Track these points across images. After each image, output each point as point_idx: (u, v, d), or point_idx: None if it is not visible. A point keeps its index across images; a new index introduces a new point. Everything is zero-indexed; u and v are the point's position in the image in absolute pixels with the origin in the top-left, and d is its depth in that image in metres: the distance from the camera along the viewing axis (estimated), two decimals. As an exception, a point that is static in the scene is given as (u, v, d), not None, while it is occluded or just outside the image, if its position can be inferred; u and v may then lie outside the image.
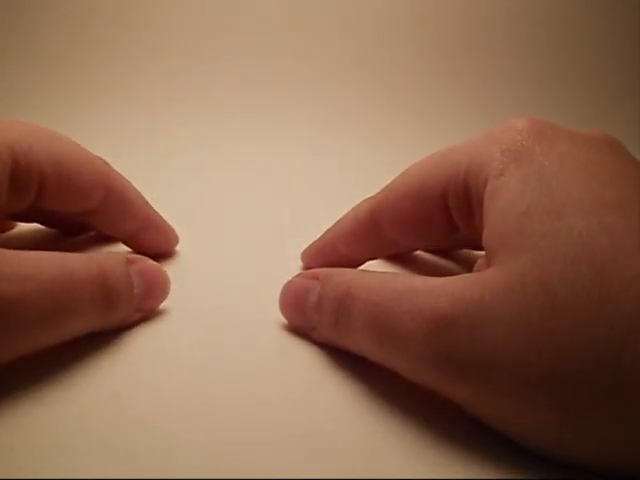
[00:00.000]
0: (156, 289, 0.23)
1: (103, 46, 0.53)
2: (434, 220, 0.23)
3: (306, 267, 0.29)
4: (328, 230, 0.27)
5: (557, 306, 0.15)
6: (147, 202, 0.29)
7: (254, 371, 0.21)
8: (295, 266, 0.29)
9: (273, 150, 0.48)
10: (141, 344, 0.22)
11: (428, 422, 0.18)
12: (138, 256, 0.23)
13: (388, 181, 0.25)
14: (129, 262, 0.22)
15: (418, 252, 0.31)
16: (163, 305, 0.24)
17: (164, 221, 0.30)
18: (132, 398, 0.19)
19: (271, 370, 0.21)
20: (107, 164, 0.27)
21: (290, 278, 0.24)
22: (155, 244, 0.29)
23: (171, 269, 0.24)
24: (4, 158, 0.22)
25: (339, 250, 0.26)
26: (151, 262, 0.23)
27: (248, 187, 0.41)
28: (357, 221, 0.25)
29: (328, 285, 0.21)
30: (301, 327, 0.23)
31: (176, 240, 0.30)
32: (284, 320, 0.24)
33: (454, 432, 0.18)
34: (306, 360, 0.22)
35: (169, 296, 0.24)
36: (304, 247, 0.29)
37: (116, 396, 0.19)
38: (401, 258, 0.30)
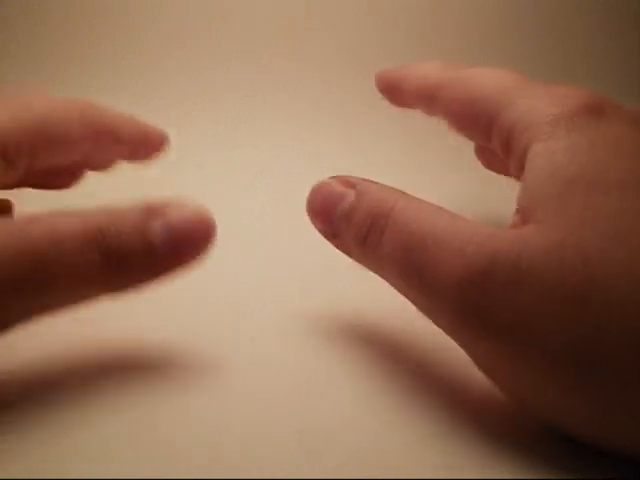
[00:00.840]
0: (191, 240, 0.19)
1: (107, 49, 0.54)
2: (479, 130, 0.23)
3: (378, 82, 0.29)
4: (405, 66, 0.28)
5: (592, 281, 0.15)
6: (131, 117, 0.27)
7: (259, 368, 0.21)
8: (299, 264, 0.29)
9: (274, 151, 0.47)
10: (149, 339, 0.22)
11: (441, 420, 0.18)
12: (171, 202, 0.19)
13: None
14: (151, 214, 0.18)
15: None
16: (176, 293, 0.21)
17: (150, 126, 0.28)
18: (134, 391, 0.19)
19: (278, 365, 0.21)
20: (88, 103, 0.26)
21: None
22: (148, 151, 0.28)
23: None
24: None
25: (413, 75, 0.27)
26: (188, 209, 0.19)
27: (249, 189, 0.40)
28: (424, 75, 0.26)
29: (364, 198, 0.20)
30: (323, 231, 0.21)
31: (166, 140, 0.29)
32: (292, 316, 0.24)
33: (468, 431, 0.18)
34: (318, 353, 0.22)
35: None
36: (306, 244, 0.28)
37: (126, 388, 0.19)
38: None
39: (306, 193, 0.38)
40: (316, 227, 0.22)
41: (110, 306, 0.20)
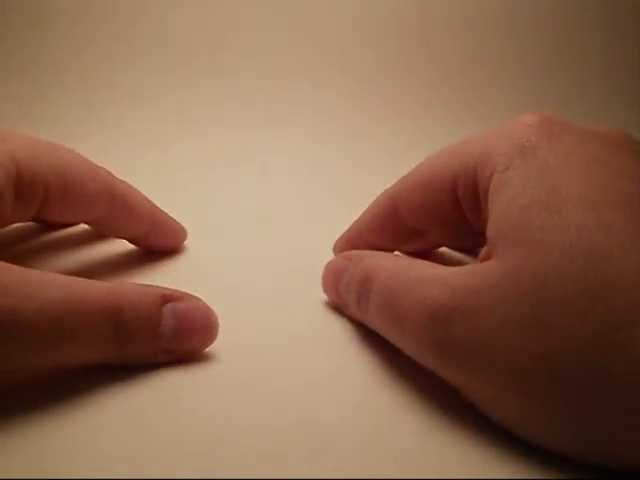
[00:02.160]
0: (194, 332, 0.21)
1: (110, 50, 0.54)
2: (447, 211, 0.23)
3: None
4: (355, 220, 0.28)
5: (549, 298, 0.16)
6: (152, 204, 0.28)
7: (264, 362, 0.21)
8: (300, 260, 0.29)
9: (278, 151, 0.47)
10: None
11: (441, 417, 0.19)
12: (183, 294, 0.21)
13: (388, 183, 0.26)
14: (165, 299, 0.21)
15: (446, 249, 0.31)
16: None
17: (171, 219, 0.30)
18: (132, 384, 0.20)
19: (279, 360, 0.22)
20: (110, 173, 0.27)
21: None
22: (163, 242, 0.30)
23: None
24: (8, 169, 0.22)
25: (365, 239, 0.27)
26: (197, 303, 0.22)
27: (254, 188, 0.41)
28: (379, 209, 0.26)
29: (356, 268, 0.23)
30: (337, 305, 0.25)
31: (184, 235, 0.30)
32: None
33: (468, 431, 0.18)
34: (319, 347, 0.23)
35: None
36: (307, 242, 0.30)
37: (124, 382, 0.20)
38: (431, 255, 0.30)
39: (305, 194, 0.40)
40: (331, 302, 0.25)
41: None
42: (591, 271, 0.16)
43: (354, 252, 0.24)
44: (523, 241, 0.17)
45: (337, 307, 0.25)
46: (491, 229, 0.19)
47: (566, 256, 0.16)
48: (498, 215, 0.19)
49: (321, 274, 0.25)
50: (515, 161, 0.19)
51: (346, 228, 0.29)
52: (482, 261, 0.19)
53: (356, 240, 0.28)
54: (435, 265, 0.20)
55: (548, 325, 0.16)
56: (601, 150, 0.19)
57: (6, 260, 0.19)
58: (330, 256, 0.27)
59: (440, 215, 0.24)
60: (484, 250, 0.20)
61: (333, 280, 0.24)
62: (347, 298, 0.23)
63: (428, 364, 0.19)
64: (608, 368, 0.15)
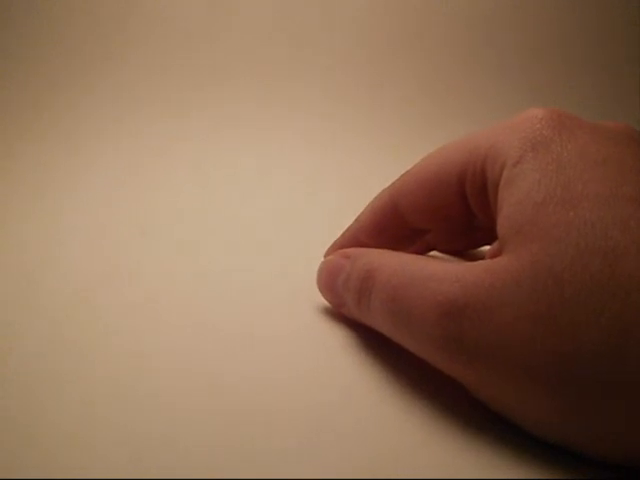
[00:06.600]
0: None
1: (109, 52, 0.54)
2: (452, 206, 0.23)
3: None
4: (350, 224, 0.27)
5: (565, 295, 0.16)
6: None
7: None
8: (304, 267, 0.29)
9: (276, 153, 0.47)
10: (154, 337, 0.23)
11: (443, 418, 0.19)
12: None
13: (386, 184, 0.25)
14: None
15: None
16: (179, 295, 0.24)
17: None
18: (138, 382, 0.20)
19: (283, 366, 0.21)
20: None
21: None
22: None
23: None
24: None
25: (362, 241, 0.27)
26: None
27: (252, 190, 0.41)
28: (378, 210, 0.26)
29: (355, 265, 0.22)
30: (333, 303, 0.24)
31: None
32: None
33: (471, 433, 0.18)
34: (323, 352, 0.22)
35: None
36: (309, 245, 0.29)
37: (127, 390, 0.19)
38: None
39: (310, 195, 0.39)
40: (327, 301, 0.25)
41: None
42: (607, 269, 0.15)
43: (351, 249, 0.24)
44: (538, 237, 0.17)
45: (333, 306, 0.24)
46: (503, 224, 0.19)
47: (582, 254, 0.16)
48: (511, 210, 0.18)
49: (316, 273, 0.25)
50: (527, 155, 0.19)
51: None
52: (493, 257, 0.19)
53: (352, 243, 0.27)
54: (440, 261, 0.20)
55: (563, 323, 0.16)
56: (614, 147, 0.19)
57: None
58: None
59: (444, 211, 0.23)
60: (494, 246, 0.19)
61: (329, 278, 0.24)
62: (345, 296, 0.23)
63: (436, 361, 0.19)
64: (622, 366, 0.15)
